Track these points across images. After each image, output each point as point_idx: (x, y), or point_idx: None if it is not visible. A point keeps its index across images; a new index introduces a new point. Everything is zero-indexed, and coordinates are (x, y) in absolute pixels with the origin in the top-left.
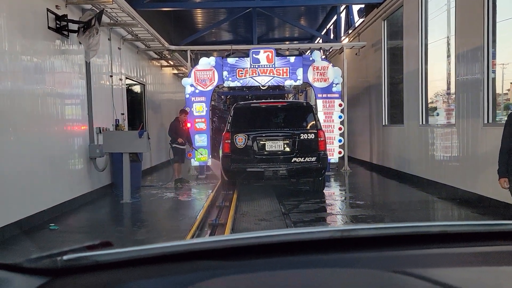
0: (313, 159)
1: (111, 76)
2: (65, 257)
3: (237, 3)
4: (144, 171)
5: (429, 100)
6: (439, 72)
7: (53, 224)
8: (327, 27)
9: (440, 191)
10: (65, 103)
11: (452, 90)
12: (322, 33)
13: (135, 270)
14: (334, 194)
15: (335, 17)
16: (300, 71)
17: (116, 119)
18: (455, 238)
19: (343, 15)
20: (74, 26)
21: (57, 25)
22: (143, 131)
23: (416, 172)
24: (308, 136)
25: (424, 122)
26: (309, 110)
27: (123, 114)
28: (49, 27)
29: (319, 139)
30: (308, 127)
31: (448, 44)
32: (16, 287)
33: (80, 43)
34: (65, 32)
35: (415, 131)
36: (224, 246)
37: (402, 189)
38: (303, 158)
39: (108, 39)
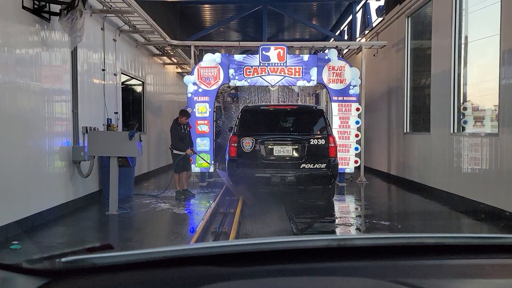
0: (323, 166)
1: (104, 70)
2: (63, 259)
3: None
4: (139, 176)
5: (462, 106)
6: (475, 74)
7: (16, 243)
8: (341, 28)
9: (478, 211)
10: (44, 99)
11: (490, 94)
12: (336, 34)
13: (133, 274)
14: (352, 210)
15: (350, 18)
16: (314, 71)
17: (108, 118)
18: (451, 250)
19: (359, 15)
20: (56, 8)
21: (35, 5)
22: (134, 131)
23: (444, 186)
24: (318, 141)
25: (455, 131)
26: (320, 115)
27: (116, 113)
28: (24, 7)
29: (330, 145)
30: (318, 132)
31: (488, 42)
32: (16, 287)
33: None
34: (46, 15)
35: (444, 140)
36: (222, 252)
37: (431, 207)
38: (312, 165)
39: (101, 28)
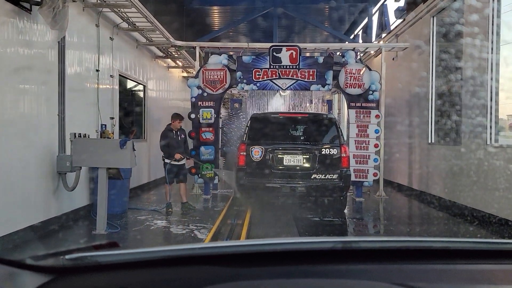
0: (335, 176)
1: (98, 70)
2: (68, 257)
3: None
4: (138, 187)
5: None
6: None
7: None
8: (355, 32)
9: None
10: (22, 101)
11: None
12: (350, 38)
13: (138, 272)
14: (374, 232)
15: (365, 21)
16: (329, 74)
17: (102, 124)
18: (460, 255)
19: (375, 17)
20: None
21: None
22: (126, 139)
23: (477, 205)
24: (330, 151)
25: (493, 142)
26: (332, 123)
27: (112, 118)
28: None
29: (342, 155)
30: (330, 141)
31: None
32: (21, 284)
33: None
34: (26, 4)
35: (479, 152)
36: (228, 252)
37: (466, 229)
38: (323, 175)
39: (96, 25)
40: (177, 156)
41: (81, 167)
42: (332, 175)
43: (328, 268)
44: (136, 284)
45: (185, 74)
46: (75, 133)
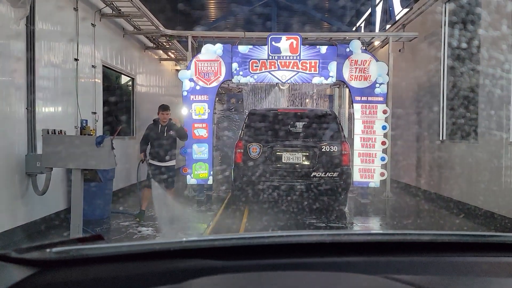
0: (335, 174)
1: (77, 60)
2: (54, 250)
3: None
4: (125, 189)
5: None
6: None
7: None
8: (357, 25)
9: None
10: None
11: None
12: (353, 30)
13: (124, 265)
14: None
15: (368, 12)
16: (333, 66)
17: (82, 120)
18: (446, 248)
19: (378, 8)
20: None
21: None
22: (104, 136)
23: (498, 209)
24: (330, 148)
25: None
26: (333, 119)
27: (95, 113)
28: None
29: (343, 152)
30: (330, 139)
31: None
32: (7, 276)
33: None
34: None
35: (500, 150)
36: (215, 246)
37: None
38: (323, 173)
39: (74, 8)
40: (140, 156)
41: (52, 168)
42: (332, 173)
43: (315, 261)
44: (122, 277)
45: (178, 68)
46: (48, 130)
